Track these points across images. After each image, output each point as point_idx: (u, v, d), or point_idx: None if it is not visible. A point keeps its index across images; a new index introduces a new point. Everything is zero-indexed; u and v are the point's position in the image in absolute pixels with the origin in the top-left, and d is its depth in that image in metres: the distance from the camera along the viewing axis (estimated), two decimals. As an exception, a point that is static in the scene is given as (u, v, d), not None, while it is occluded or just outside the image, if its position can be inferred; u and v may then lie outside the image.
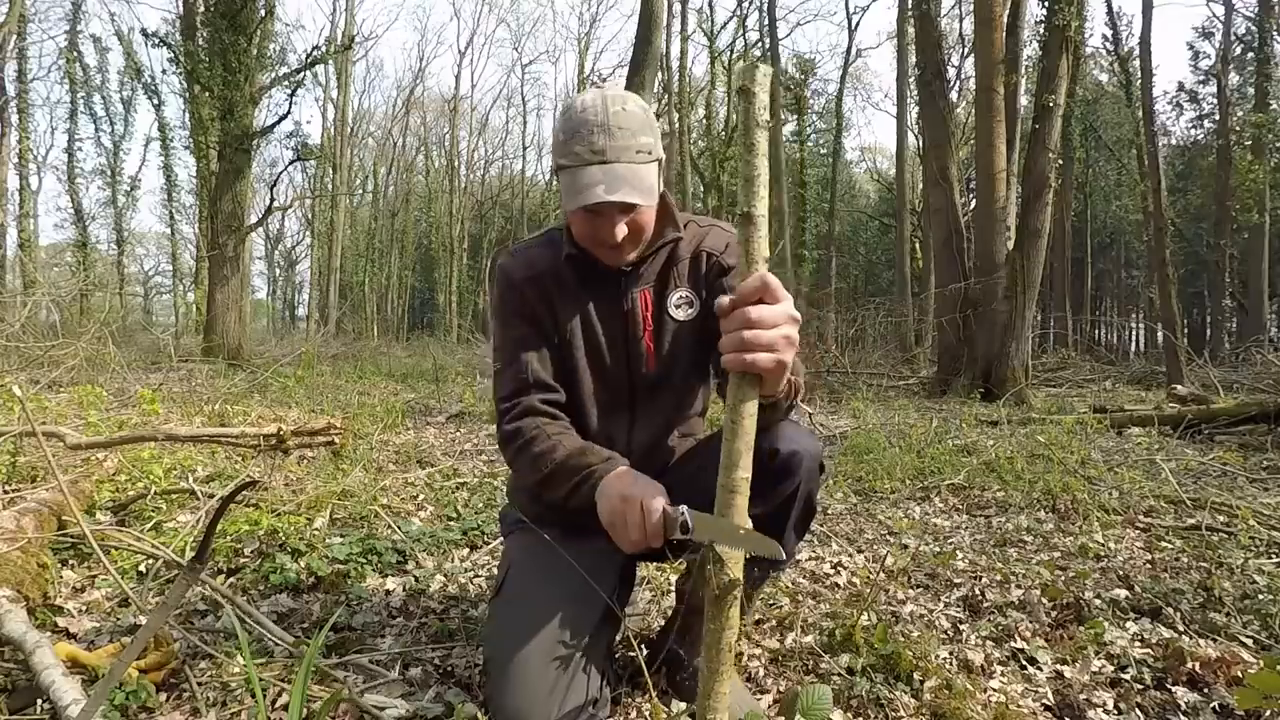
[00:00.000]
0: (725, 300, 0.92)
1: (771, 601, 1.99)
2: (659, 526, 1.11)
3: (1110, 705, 1.50)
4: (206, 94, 11.77)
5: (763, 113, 0.84)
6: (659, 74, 18.30)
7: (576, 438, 1.34)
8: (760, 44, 25.61)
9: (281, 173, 18.08)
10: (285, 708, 1.34)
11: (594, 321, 1.40)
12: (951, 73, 19.04)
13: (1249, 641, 1.77)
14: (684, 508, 1.07)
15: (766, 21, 22.93)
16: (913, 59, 14.80)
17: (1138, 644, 1.76)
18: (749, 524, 0.90)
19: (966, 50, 21.93)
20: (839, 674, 1.55)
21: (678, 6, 23.04)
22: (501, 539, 2.25)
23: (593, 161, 1.22)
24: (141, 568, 1.99)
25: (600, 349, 1.41)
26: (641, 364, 1.42)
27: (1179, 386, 7.70)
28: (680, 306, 1.41)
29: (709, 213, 24.72)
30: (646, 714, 1.41)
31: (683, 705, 1.39)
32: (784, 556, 0.92)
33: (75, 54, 21.16)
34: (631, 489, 1.16)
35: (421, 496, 3.10)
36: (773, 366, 0.90)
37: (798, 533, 1.34)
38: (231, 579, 2.02)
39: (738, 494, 0.88)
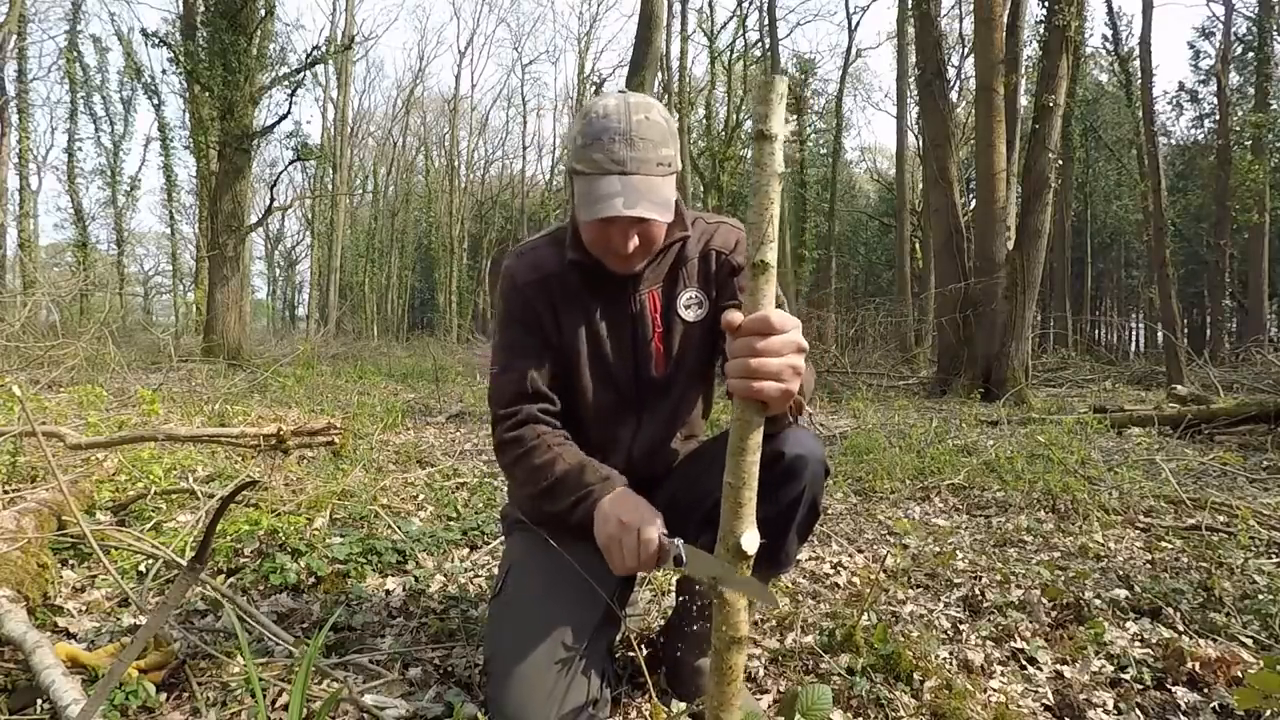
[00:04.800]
0: (734, 317, 0.90)
1: (771, 601, 1.99)
2: (653, 557, 1.12)
3: (1110, 705, 1.50)
4: (206, 94, 11.76)
5: (776, 162, 0.83)
6: (659, 74, 18.32)
7: (576, 451, 1.32)
8: (760, 44, 25.63)
9: (281, 173, 18.06)
10: (285, 708, 1.34)
11: (599, 326, 1.37)
12: (951, 73, 19.05)
13: (1249, 641, 1.77)
14: (679, 541, 1.10)
15: (766, 21, 22.96)
16: (913, 59, 14.80)
17: (1138, 644, 1.76)
18: (756, 539, 0.90)
19: (966, 50, 21.93)
20: (839, 674, 1.55)
21: (678, 6, 23.06)
22: (502, 538, 2.24)
23: (612, 171, 1.18)
24: (141, 568, 1.99)
25: (604, 354, 1.38)
26: (651, 366, 1.40)
27: (1179, 386, 7.70)
28: (690, 307, 1.38)
29: (709, 212, 24.71)
30: (646, 714, 1.41)
31: (682, 705, 1.39)
32: (776, 605, 0.93)
33: (75, 54, 21.15)
34: (630, 515, 1.16)
35: (421, 496, 3.10)
36: (778, 396, 0.89)
37: (800, 536, 1.34)
38: (231, 579, 2.02)
39: (744, 506, 0.90)
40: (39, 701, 1.23)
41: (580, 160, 1.21)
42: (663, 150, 1.21)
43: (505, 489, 3.23)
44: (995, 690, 1.54)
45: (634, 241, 1.24)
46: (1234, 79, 20.87)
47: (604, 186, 1.18)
